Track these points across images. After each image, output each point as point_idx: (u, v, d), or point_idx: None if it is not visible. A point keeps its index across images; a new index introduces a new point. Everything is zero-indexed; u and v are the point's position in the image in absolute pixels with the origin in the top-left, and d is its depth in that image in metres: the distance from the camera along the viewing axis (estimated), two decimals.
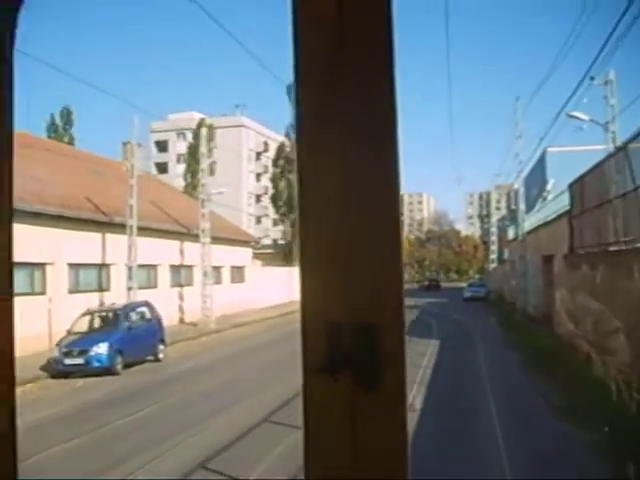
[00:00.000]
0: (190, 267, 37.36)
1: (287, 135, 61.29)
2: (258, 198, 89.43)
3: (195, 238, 35.45)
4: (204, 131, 61.81)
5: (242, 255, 45.92)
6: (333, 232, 1.42)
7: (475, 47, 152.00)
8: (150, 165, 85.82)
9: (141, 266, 30.74)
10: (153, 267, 34.01)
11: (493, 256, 56.79)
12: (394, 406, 1.41)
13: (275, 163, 62.60)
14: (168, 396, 16.84)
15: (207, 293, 34.98)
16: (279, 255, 61.24)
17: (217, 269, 41.15)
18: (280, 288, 52.34)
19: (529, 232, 32.64)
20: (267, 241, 76.30)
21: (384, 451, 1.40)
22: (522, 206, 32.92)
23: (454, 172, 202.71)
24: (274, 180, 62.50)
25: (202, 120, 72.09)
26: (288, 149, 61.02)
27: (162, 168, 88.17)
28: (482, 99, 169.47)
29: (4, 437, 1.68)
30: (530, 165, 44.15)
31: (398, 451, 1.42)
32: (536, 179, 47.22)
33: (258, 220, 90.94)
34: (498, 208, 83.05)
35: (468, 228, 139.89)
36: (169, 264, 35.65)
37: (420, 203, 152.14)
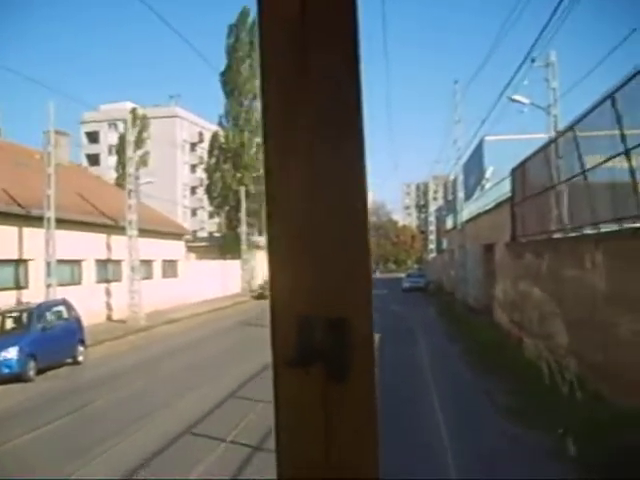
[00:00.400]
0: (118, 262, 35.33)
1: (220, 124, 59.32)
2: (193, 190, 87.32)
3: (123, 231, 33.46)
4: (130, 117, 59.63)
5: (175, 248, 43.97)
6: (301, 227, 1.41)
7: (413, 28, 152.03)
8: (81, 157, 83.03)
9: (63, 261, 28.67)
10: (77, 262, 31.90)
11: (432, 246, 55.98)
12: (365, 397, 1.41)
13: (210, 153, 60.46)
14: (82, 405, 15.15)
15: (135, 289, 33.04)
16: (214, 248, 59.41)
17: (148, 263, 39.29)
18: (215, 282, 50.73)
19: (468, 221, 31.73)
20: (203, 234, 74.45)
21: (357, 443, 1.41)
22: (461, 194, 31.93)
23: (392, 159, 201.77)
24: (209, 171, 60.37)
25: (134, 110, 69.43)
26: (222, 139, 59.07)
27: (94, 160, 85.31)
28: (420, 83, 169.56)
29: None
30: (468, 153, 43.52)
31: (370, 442, 1.42)
32: (474, 167, 46.60)
33: (194, 213, 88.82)
34: (435, 198, 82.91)
35: (405, 219, 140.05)
36: (95, 259, 33.55)
37: None
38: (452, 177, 72.27)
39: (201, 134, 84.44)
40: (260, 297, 48.85)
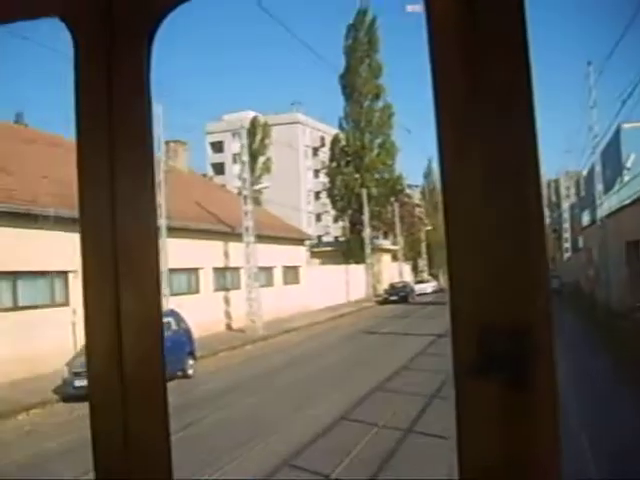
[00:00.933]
0: (237, 269, 34.37)
1: (341, 127, 57.84)
2: (317, 195, 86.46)
3: (241, 238, 32.49)
4: (246, 123, 59.07)
5: (296, 254, 42.75)
6: (479, 232, 1.42)
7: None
8: (207, 166, 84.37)
9: (178, 270, 27.95)
10: (194, 270, 31.13)
11: (567, 245, 51.97)
12: (548, 406, 1.39)
13: (331, 157, 59.16)
14: (183, 427, 13.76)
15: (253, 296, 31.91)
16: (338, 253, 58.01)
17: (268, 270, 38.24)
18: (338, 288, 49.20)
19: (608, 215, 28.50)
20: (329, 239, 73.34)
21: (539, 454, 1.37)
22: (599, 186, 28.68)
23: None
24: (330, 174, 59.06)
25: (255, 118, 69.28)
26: (343, 142, 57.57)
27: (219, 169, 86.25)
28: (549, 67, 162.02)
29: None
30: (602, 144, 39.92)
31: (552, 453, 1.38)
32: (610, 158, 42.71)
33: (318, 218, 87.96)
34: (568, 195, 78.13)
35: None
36: (212, 267, 32.71)
37: None
38: (585, 172, 67.73)
39: (323, 139, 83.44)
40: (385, 302, 46.91)
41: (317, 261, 60.49)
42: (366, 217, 52.16)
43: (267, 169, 68.07)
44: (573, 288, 47.17)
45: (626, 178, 31.09)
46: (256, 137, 69.55)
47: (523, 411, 1.37)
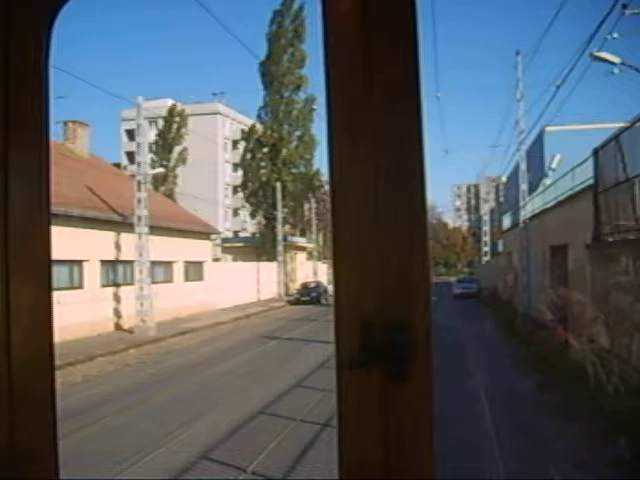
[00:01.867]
0: (131, 263, 30.68)
1: (259, 117, 54.48)
2: (235, 189, 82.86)
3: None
4: (164, 111, 55.50)
5: (200, 249, 39.21)
6: (365, 233, 1.43)
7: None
8: (121, 154, 79.64)
9: (57, 262, 24.19)
10: (77, 263, 27.33)
11: (485, 248, 50.09)
12: (423, 398, 1.44)
13: (246, 148, 55.64)
14: None
15: (145, 294, 28.35)
16: (252, 249, 54.72)
17: (167, 265, 34.79)
18: (248, 286, 45.97)
19: (531, 218, 26.22)
20: (246, 234, 69.93)
21: (414, 442, 1.43)
22: (524, 185, 26.36)
23: (441, 157, 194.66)
24: (245, 167, 55.59)
25: (173, 106, 65.23)
26: (260, 133, 54.26)
27: (133, 158, 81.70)
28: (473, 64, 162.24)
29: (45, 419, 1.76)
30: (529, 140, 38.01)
31: (426, 442, 1.43)
32: (534, 160, 40.96)
33: (235, 212, 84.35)
34: (487, 200, 77.18)
35: (456, 221, 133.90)
36: (100, 259, 28.94)
37: None
38: (504, 178, 66.56)
39: (244, 132, 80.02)
40: (296, 302, 43.87)
41: (229, 257, 57.10)
42: (279, 212, 49.04)
43: (183, 160, 64.21)
44: (490, 293, 45.22)
45: (548, 181, 29.08)
46: (172, 126, 65.57)
47: (401, 402, 1.42)
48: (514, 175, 39.89)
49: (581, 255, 18.87)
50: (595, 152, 17.55)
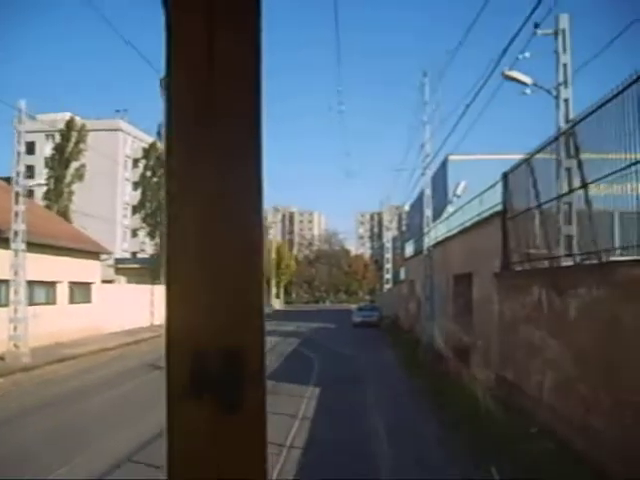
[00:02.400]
0: (6, 282, 27.83)
1: (159, 134, 52.15)
2: (135, 209, 79.73)
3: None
4: (62, 124, 52.65)
5: (88, 269, 36.52)
6: (198, 260, 1.42)
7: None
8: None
9: None
10: None
11: (388, 276, 49.19)
12: (255, 428, 1.44)
13: (145, 167, 53.14)
14: None
15: (20, 316, 25.61)
16: (149, 271, 52.08)
17: (50, 285, 31.98)
18: (140, 309, 43.45)
19: (435, 245, 25.25)
20: (145, 256, 66.89)
21: (246, 473, 1.43)
22: (428, 211, 25.36)
23: (344, 186, 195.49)
24: (143, 186, 53.01)
25: (71, 119, 61.92)
26: (160, 150, 51.96)
27: (30, 172, 77.20)
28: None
29: None
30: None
31: (259, 471, 1.44)
32: (437, 189, 40.53)
33: (134, 233, 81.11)
34: (389, 228, 77.02)
35: (359, 248, 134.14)
36: None
37: (310, 222, 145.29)
38: (407, 207, 66.41)
39: (145, 150, 77.24)
40: None
41: (123, 279, 54.23)
42: (164, 232, 46.67)
43: (79, 176, 60.80)
44: (391, 322, 44.28)
45: (450, 209, 28.32)
46: (70, 140, 62.13)
47: (233, 433, 1.39)
48: (418, 202, 39.35)
49: (487, 284, 17.82)
50: (504, 176, 16.57)
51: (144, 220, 53.02)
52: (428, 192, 24.92)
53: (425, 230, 24.79)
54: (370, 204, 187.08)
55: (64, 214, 54.98)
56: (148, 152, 52.98)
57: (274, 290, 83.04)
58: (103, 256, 40.68)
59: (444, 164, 39.66)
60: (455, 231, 23.16)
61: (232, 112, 1.42)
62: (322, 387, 19.10)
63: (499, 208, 17.29)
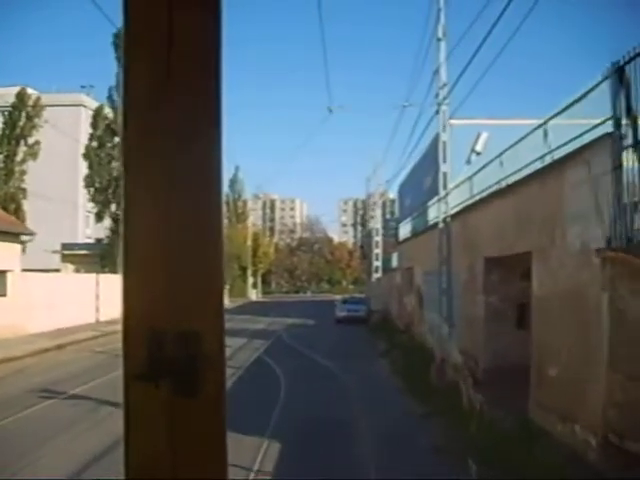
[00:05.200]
0: None
1: (110, 99, 43.51)
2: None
3: None
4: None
5: (3, 254, 28.15)
6: (155, 239, 1.38)
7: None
8: None
9: None
10: None
11: (377, 263, 40.83)
12: (214, 411, 1.39)
13: (93, 135, 44.49)
14: None
15: None
16: (97, 258, 43.86)
17: None
18: (82, 304, 35.19)
19: (453, 217, 17.03)
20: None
21: (204, 456, 1.39)
22: (445, 167, 16.74)
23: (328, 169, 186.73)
24: (90, 158, 44.40)
25: (23, 91, 52.64)
26: (110, 115, 43.45)
27: None
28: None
29: None
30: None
31: (217, 455, 1.41)
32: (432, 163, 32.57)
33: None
34: (373, 217, 69.24)
35: (342, 237, 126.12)
36: None
37: (292, 209, 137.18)
38: (391, 195, 58.33)
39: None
40: None
41: (71, 267, 45.91)
42: (122, 212, 38.36)
43: (33, 154, 51.60)
44: (382, 318, 36.14)
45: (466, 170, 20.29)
46: (21, 115, 52.97)
47: (191, 415, 1.36)
48: (418, 169, 31.29)
49: (571, 271, 9.81)
50: (618, 70, 8.58)
51: (92, 198, 44.51)
52: (445, 138, 16.80)
53: (440, 193, 16.63)
54: (353, 189, 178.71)
55: (13, 196, 46.72)
56: (95, 119, 44.36)
57: (251, 280, 74.70)
58: (21, 238, 32.24)
59: (434, 142, 31.74)
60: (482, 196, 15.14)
61: (190, 89, 1.36)
62: (284, 444, 11.06)
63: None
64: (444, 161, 16.49)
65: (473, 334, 16.25)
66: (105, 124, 43.21)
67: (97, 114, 43.78)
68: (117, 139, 42.76)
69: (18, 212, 48.39)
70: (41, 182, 51.50)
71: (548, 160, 11.33)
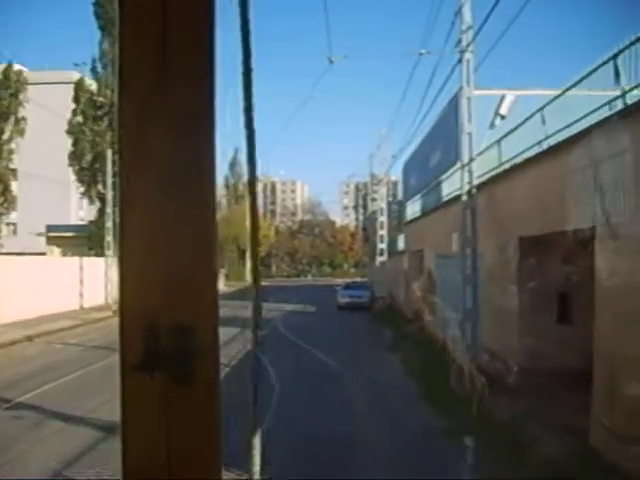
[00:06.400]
0: None
1: (94, 70, 40.35)
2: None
3: None
4: None
5: None
6: (152, 233, 1.38)
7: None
8: None
9: None
10: None
11: (382, 245, 37.80)
12: (208, 402, 1.40)
13: (75, 110, 41.30)
14: None
15: None
16: (86, 240, 40.99)
17: None
18: (63, 290, 32.37)
19: (480, 187, 14.08)
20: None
21: (198, 447, 1.40)
22: (469, 126, 13.95)
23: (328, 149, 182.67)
24: (74, 134, 41.27)
25: (9, 67, 49.29)
26: (94, 91, 40.32)
27: None
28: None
29: None
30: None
31: (211, 444, 1.42)
32: (442, 136, 29.56)
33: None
34: (374, 199, 66.34)
35: (344, 219, 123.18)
36: None
37: (293, 192, 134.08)
38: (394, 177, 55.20)
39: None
40: None
41: (57, 250, 43.08)
42: (108, 190, 35.48)
43: (20, 131, 48.41)
44: (387, 305, 33.27)
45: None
46: (7, 91, 49.67)
47: (185, 406, 1.37)
48: (428, 142, 28.38)
49: None
50: None
51: (78, 177, 41.51)
52: (469, 93, 13.85)
53: (464, 159, 13.65)
54: (356, 170, 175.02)
55: (1, 176, 43.85)
56: (76, 92, 41.23)
57: (249, 263, 71.61)
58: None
59: (453, 102, 28.74)
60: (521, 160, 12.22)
61: (185, 74, 1.36)
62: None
63: None
64: (469, 120, 13.50)
65: (502, 330, 13.38)
66: (87, 97, 40.00)
67: (78, 87, 40.63)
68: (100, 112, 39.74)
69: (6, 193, 45.64)
70: (34, 163, 48.81)
71: (620, 106, 8.40)
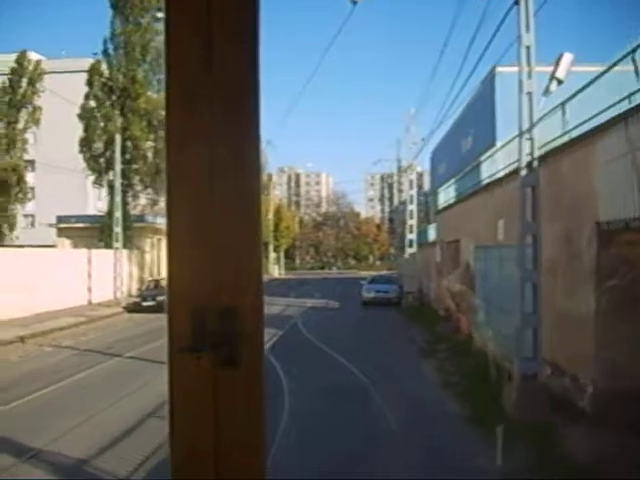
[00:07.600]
0: None
1: (106, 52, 37.80)
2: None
3: None
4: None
5: None
6: (198, 221, 1.40)
7: None
8: None
9: None
10: None
11: (411, 236, 34.84)
12: (253, 382, 1.41)
13: (88, 93, 38.83)
14: None
15: None
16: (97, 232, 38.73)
17: None
18: (70, 284, 30.05)
19: (542, 159, 11.29)
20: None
21: (245, 426, 1.40)
22: (530, 84, 11.15)
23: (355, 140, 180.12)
24: (86, 119, 38.84)
25: (23, 55, 47.06)
26: (106, 74, 37.88)
27: None
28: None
29: None
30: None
31: (256, 425, 1.41)
32: (481, 116, 26.75)
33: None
34: (401, 190, 63.47)
35: (368, 211, 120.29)
36: None
37: (318, 184, 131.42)
38: (419, 169, 52.02)
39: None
40: (137, 309, 28.03)
41: (68, 242, 40.81)
42: (117, 178, 33.13)
43: (35, 121, 46.34)
44: (417, 301, 30.47)
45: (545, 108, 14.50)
46: (22, 79, 47.60)
47: (231, 388, 1.38)
48: (461, 123, 25.71)
49: None
50: None
51: (88, 164, 39.17)
52: (528, 41, 10.93)
53: (523, 126, 10.74)
54: (381, 167, 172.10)
55: (15, 166, 41.78)
56: (90, 75, 38.83)
57: (272, 255, 69.13)
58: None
59: (490, 80, 25.95)
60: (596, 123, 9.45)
61: (230, 61, 1.36)
62: None
63: None
64: (529, 77, 10.69)
65: (570, 339, 10.61)
66: (100, 82, 37.64)
67: (93, 70, 38.20)
68: (114, 97, 37.29)
69: (20, 184, 43.56)
70: (51, 153, 46.97)
71: None
